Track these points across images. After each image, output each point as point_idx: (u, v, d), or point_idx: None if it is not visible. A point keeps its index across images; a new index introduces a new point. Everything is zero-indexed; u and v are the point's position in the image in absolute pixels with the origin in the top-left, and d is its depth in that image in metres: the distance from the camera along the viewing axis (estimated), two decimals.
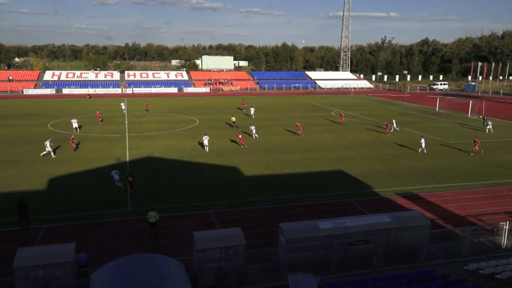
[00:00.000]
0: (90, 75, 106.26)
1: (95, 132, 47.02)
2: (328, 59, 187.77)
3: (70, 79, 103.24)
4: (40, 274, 14.67)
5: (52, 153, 36.81)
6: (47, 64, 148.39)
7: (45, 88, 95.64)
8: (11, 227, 22.14)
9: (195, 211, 24.77)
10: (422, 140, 39.42)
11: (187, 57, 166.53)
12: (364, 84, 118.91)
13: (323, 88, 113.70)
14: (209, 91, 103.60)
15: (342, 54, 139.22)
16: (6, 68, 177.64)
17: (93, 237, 21.21)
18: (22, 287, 14.55)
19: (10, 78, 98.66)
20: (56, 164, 34.29)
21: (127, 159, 36.19)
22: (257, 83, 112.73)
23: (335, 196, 27.58)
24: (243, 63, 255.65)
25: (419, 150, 39.34)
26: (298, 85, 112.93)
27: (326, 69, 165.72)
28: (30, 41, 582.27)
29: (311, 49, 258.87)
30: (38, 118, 56.90)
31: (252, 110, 61.46)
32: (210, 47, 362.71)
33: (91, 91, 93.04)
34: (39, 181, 29.77)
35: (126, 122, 54.99)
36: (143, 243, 20.62)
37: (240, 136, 41.78)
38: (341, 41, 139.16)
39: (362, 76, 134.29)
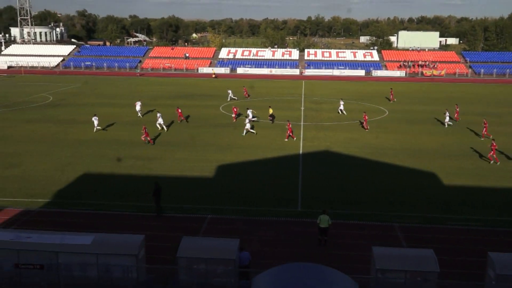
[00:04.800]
0: (266, 53, 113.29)
1: (268, 118, 49.94)
2: None
3: (246, 57, 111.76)
4: (202, 267, 16.36)
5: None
6: (224, 40, 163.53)
7: (220, 66, 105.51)
8: (178, 213, 25.23)
9: (376, 221, 24.47)
10: None
11: (380, 33, 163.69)
12: None
13: None
14: (404, 75, 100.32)
15: None
16: (184, 44, 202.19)
17: (257, 235, 22.74)
18: (184, 278, 16.46)
19: (187, 55, 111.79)
20: (224, 150, 37.70)
21: (300, 151, 37.61)
22: (470, 66, 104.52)
23: None
24: (452, 41, 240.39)
25: None
26: None
27: None
28: (209, 16, 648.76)
29: None
30: (210, 99, 63.15)
31: (342, 105, 53.30)
32: (410, 20, 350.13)
33: (216, 70, 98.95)
34: (208, 167, 33.16)
35: (302, 108, 57.06)
36: (311, 251, 21.23)
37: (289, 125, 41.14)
38: None
39: None
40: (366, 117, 45.88)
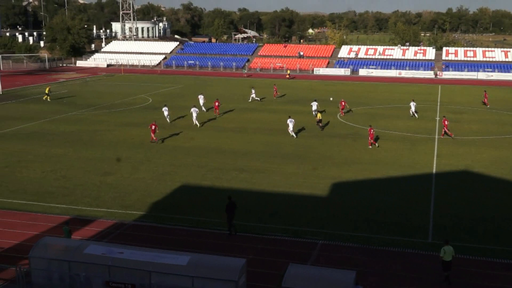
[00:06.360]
0: (395, 52, 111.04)
1: (394, 129, 48.83)
2: None
3: (370, 56, 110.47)
4: None
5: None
6: (345, 37, 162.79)
7: (339, 67, 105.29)
8: (285, 236, 25.41)
9: None
10: None
11: None
12: None
13: None
14: None
15: None
16: (299, 41, 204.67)
17: (375, 268, 22.29)
18: None
19: (301, 53, 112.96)
20: (342, 165, 37.43)
21: (434, 170, 36.29)
22: None
23: None
24: None
25: None
26: None
27: None
28: (328, 8, 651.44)
29: None
30: (327, 105, 62.89)
31: (413, 106, 55.75)
32: None
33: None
34: (320, 184, 33.11)
35: (437, 119, 55.06)
36: None
37: (371, 131, 42.42)
38: None
39: None
40: (446, 123, 45.85)
